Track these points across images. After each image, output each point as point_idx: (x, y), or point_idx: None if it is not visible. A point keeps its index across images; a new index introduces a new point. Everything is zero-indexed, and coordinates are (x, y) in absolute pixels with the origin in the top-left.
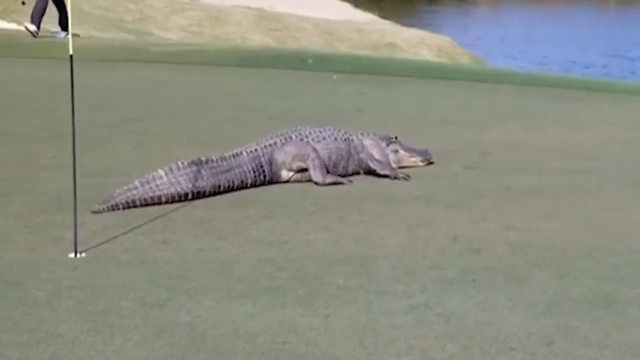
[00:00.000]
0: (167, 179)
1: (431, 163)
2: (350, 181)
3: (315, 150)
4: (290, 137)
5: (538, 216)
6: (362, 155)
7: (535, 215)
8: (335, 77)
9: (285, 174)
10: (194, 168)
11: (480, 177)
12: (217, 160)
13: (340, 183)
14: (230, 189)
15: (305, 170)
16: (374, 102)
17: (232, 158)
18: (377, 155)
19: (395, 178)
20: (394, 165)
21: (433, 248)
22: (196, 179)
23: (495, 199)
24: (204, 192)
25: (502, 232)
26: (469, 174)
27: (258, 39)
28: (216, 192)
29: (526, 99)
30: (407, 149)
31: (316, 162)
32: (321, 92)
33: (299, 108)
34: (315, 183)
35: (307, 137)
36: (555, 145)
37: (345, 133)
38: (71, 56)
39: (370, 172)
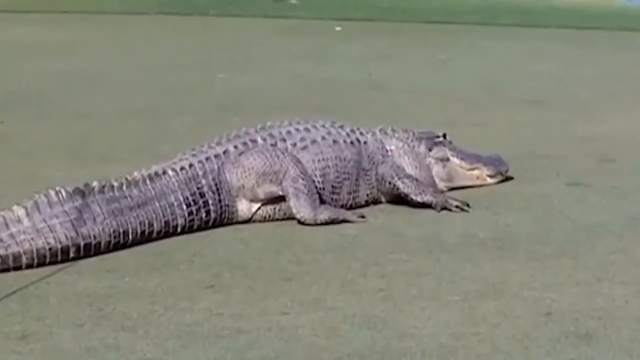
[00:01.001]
0: (30, 224)
1: (507, 179)
2: (363, 217)
3: (298, 163)
4: (254, 142)
5: None
6: (384, 169)
7: None
8: (338, 28)
9: (245, 208)
10: (80, 202)
11: (596, 201)
12: (121, 187)
13: (344, 220)
14: (145, 237)
15: (280, 199)
16: (405, 70)
17: (148, 182)
18: (410, 169)
19: (443, 208)
20: (441, 185)
21: (509, 334)
22: (83, 222)
23: (622, 241)
24: (98, 244)
25: (635, 300)
26: (576, 195)
27: None
28: (120, 243)
29: None
30: (464, 156)
31: (300, 184)
32: (310, 57)
33: (270, 86)
34: (300, 222)
35: (283, 139)
36: None
37: (353, 131)
38: None
39: (400, 199)
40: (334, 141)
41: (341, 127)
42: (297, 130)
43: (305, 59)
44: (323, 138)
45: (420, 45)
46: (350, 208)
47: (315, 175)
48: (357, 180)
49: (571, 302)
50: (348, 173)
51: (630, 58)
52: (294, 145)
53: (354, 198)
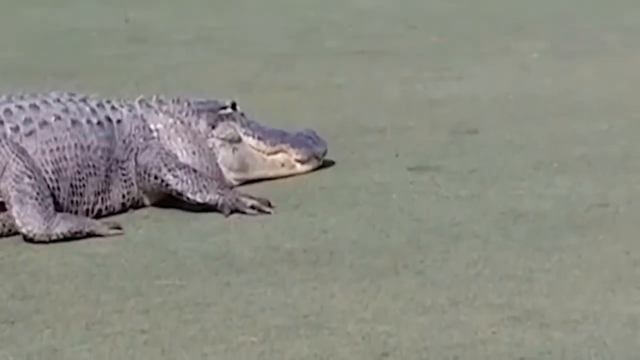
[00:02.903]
0: None
1: (325, 165)
2: (118, 228)
3: (22, 154)
4: None
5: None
6: (147, 158)
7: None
8: None
9: None
10: None
11: (451, 191)
12: None
13: (91, 234)
14: None
15: None
16: (176, 14)
17: None
18: (184, 155)
19: (234, 211)
20: (230, 177)
21: None
22: None
23: (487, 247)
24: None
25: (506, 329)
26: (423, 184)
27: None
28: None
29: None
30: (262, 134)
31: (25, 184)
32: (43, 0)
33: None
34: (27, 238)
35: (0, 122)
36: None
37: (101, 105)
38: None
39: (172, 199)
40: (74, 122)
41: (84, 100)
42: (20, 108)
43: (34, 3)
44: (58, 118)
45: None
46: (100, 215)
47: (47, 171)
48: (107, 175)
49: (415, 338)
50: (94, 167)
51: None
52: (16, 129)
53: (103, 200)
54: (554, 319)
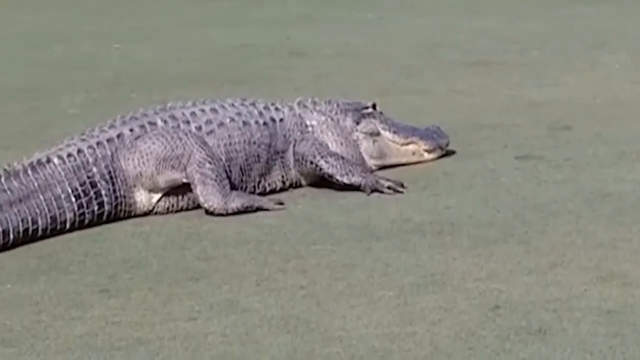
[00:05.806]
0: None
1: (447, 154)
2: (281, 204)
3: (204, 145)
4: (153, 124)
5: None
6: (304, 148)
7: None
8: None
9: (144, 198)
10: None
11: (549, 175)
12: None
13: (259, 209)
14: (29, 236)
15: (185, 187)
16: (328, 32)
17: (30, 172)
18: (334, 146)
19: (374, 190)
20: (371, 163)
21: (451, 332)
22: None
23: (580, 221)
24: None
25: (595, 287)
26: (526, 170)
27: None
28: (0, 244)
29: None
30: (397, 129)
31: (207, 169)
32: (220, 22)
33: (175, 56)
34: (208, 212)
35: (187, 122)
36: None
37: (267, 108)
38: None
39: (323, 181)
40: (244, 123)
41: (253, 104)
42: (203, 111)
43: (214, 24)
44: (232, 120)
45: (345, 3)
46: (264, 192)
47: (221, 159)
48: (268, 162)
49: (522, 293)
50: (258, 156)
51: (583, 11)
52: (199, 128)
53: (265, 180)
54: (635, 279)
